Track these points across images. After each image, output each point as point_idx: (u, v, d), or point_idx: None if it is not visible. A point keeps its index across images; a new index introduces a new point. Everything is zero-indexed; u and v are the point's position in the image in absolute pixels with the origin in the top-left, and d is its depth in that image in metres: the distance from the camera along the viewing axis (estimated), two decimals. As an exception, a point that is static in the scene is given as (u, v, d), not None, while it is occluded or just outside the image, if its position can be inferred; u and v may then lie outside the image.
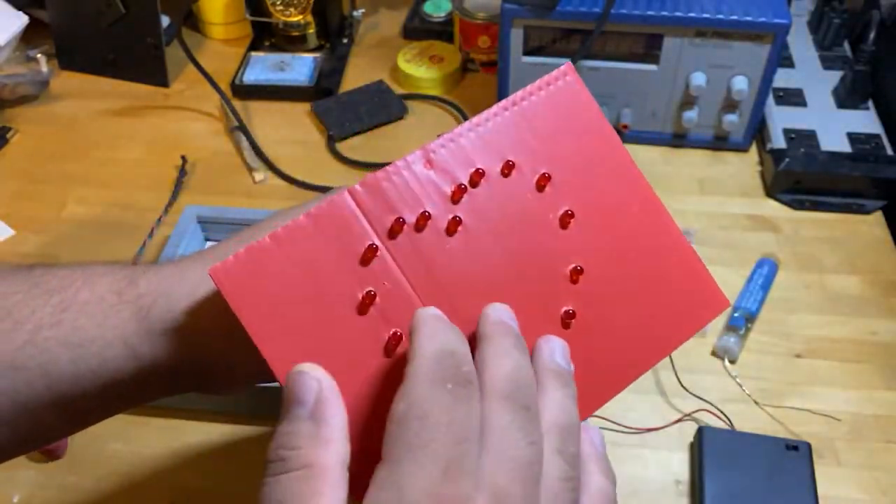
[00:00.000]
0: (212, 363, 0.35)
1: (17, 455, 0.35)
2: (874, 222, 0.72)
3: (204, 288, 0.34)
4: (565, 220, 0.35)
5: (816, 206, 0.73)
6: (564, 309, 0.34)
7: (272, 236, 0.31)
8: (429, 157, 0.34)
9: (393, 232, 0.33)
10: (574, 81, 0.37)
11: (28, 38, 0.91)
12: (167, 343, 0.34)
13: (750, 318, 0.62)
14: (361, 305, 0.32)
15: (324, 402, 0.28)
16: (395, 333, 0.32)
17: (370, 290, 0.32)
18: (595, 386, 0.34)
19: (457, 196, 0.34)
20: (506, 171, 0.35)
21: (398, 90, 0.88)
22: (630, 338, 0.35)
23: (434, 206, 0.33)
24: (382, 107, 0.85)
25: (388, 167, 0.33)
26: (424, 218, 0.33)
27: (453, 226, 0.33)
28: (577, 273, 0.34)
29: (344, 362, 0.31)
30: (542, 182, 0.35)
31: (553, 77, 0.36)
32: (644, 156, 0.79)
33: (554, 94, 0.36)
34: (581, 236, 0.35)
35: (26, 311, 0.32)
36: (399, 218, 0.33)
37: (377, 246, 0.32)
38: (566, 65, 0.37)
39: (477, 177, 0.34)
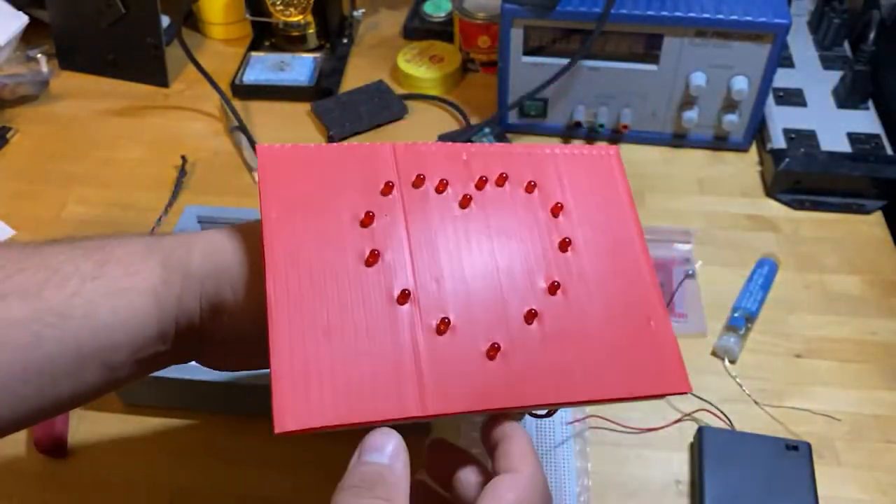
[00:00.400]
0: (221, 316, 0.38)
1: (59, 414, 0.38)
2: (874, 222, 0.72)
3: (219, 240, 0.39)
4: (564, 245, 0.39)
5: (816, 206, 0.73)
6: (532, 307, 0.36)
7: (316, 146, 0.38)
8: (470, 150, 0.40)
9: (416, 183, 0.38)
10: (614, 158, 0.43)
11: (28, 38, 0.91)
12: (184, 288, 0.37)
13: (750, 318, 0.62)
14: (361, 222, 0.37)
15: (397, 454, 0.33)
16: (374, 251, 0.36)
17: (370, 212, 0.37)
18: (528, 386, 0.35)
19: (480, 186, 0.39)
20: (529, 189, 0.40)
21: (398, 90, 0.88)
22: (578, 363, 0.36)
23: (457, 182, 0.39)
24: (382, 107, 0.85)
25: (428, 142, 0.40)
26: (443, 184, 0.39)
27: (466, 201, 0.39)
28: (555, 286, 0.37)
29: (326, 255, 0.35)
30: (557, 210, 0.40)
31: (599, 150, 0.43)
32: (644, 156, 0.79)
33: (594, 159, 0.43)
34: (574, 264, 0.38)
35: (71, 268, 0.36)
36: (421, 175, 0.38)
37: (393, 184, 0.38)
38: (615, 149, 0.44)
39: (501, 180, 0.40)
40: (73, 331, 0.34)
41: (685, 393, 0.38)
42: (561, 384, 0.35)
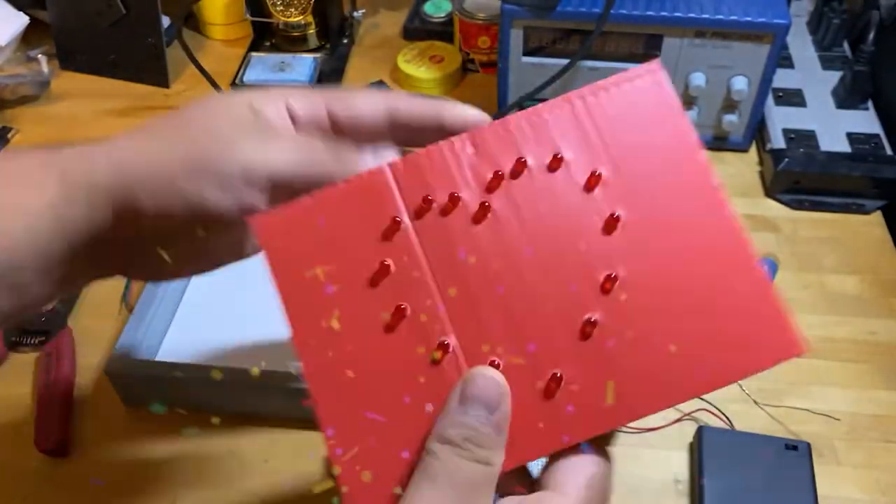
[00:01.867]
0: (140, 221, 0.35)
1: None
2: (873, 222, 0.72)
3: (124, 146, 0.35)
4: (611, 224, 0.33)
5: (816, 206, 0.73)
6: (587, 316, 0.32)
7: (313, 196, 0.34)
8: (475, 140, 0.34)
9: (421, 210, 0.33)
10: (660, 81, 0.34)
11: (29, 38, 0.91)
12: (91, 202, 0.34)
13: (749, 317, 0.62)
14: (375, 276, 0.33)
15: (505, 415, 0.31)
16: (399, 307, 0.33)
17: (385, 261, 0.33)
18: (605, 410, 0.32)
19: (494, 184, 0.33)
20: (553, 166, 0.33)
21: (398, 90, 0.88)
22: (662, 364, 0.32)
23: (468, 190, 0.34)
24: (383, 107, 0.85)
25: (431, 146, 0.34)
26: (454, 200, 0.33)
27: (481, 214, 0.33)
28: (610, 281, 0.32)
29: (353, 325, 0.33)
30: (593, 182, 0.33)
31: (635, 72, 0.34)
32: (644, 156, 0.79)
33: (632, 91, 0.34)
34: (626, 245, 0.33)
35: None
36: (428, 196, 0.33)
37: (401, 220, 0.33)
38: (655, 62, 0.34)
39: (519, 167, 0.33)
40: None
41: (800, 354, 0.32)
42: (655, 392, 0.32)
